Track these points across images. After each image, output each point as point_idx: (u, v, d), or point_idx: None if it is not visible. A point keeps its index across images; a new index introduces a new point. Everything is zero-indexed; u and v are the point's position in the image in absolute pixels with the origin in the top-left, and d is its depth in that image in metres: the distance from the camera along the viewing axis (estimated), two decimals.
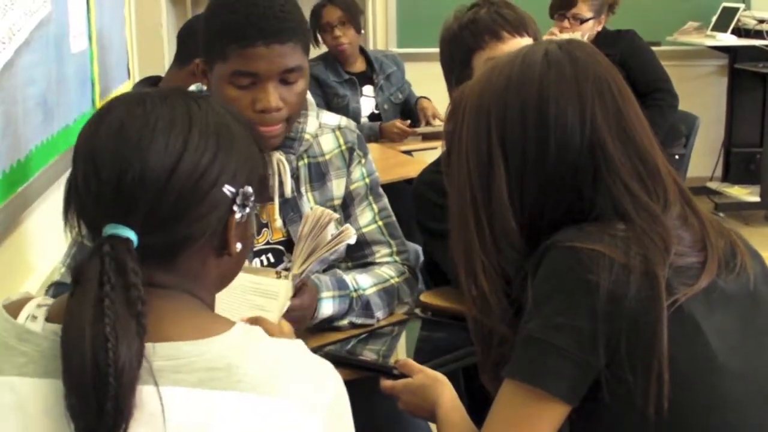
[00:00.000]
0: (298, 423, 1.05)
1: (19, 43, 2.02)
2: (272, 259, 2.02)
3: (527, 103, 1.35)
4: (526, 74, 1.36)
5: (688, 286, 1.29)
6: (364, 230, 2.08)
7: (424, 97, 4.69)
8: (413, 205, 2.16)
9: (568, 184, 1.34)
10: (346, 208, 2.08)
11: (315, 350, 1.77)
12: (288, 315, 1.82)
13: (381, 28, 5.97)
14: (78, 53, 2.74)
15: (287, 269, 1.93)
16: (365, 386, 1.82)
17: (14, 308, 1.10)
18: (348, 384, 1.74)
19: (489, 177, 1.36)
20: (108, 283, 1.01)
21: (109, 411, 0.98)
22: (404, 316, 2.03)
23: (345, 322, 1.96)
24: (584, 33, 4.44)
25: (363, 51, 4.72)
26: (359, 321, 1.98)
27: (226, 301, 1.68)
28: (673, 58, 5.72)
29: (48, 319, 1.07)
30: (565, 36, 4.07)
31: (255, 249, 2.00)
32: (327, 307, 1.92)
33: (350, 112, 4.54)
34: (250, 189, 1.13)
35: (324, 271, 1.98)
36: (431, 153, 4.15)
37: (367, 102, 4.67)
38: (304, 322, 1.87)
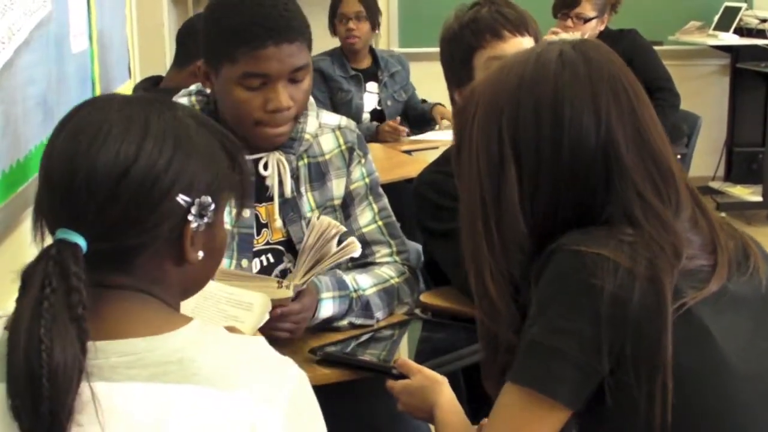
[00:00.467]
0: (257, 417, 1.05)
1: (19, 42, 2.01)
2: (272, 260, 2.02)
3: (541, 103, 1.33)
4: (540, 74, 1.34)
5: (697, 290, 1.28)
6: (364, 230, 2.07)
7: (440, 104, 4.70)
8: (413, 204, 2.16)
9: (580, 186, 1.33)
10: (346, 208, 2.07)
11: (314, 350, 1.78)
12: (289, 318, 1.81)
13: (383, 27, 5.95)
14: (78, 53, 2.73)
15: (284, 272, 1.93)
16: (364, 386, 1.82)
17: None
18: (347, 384, 1.74)
19: (499, 178, 1.34)
20: (49, 287, 1.02)
21: (44, 413, 0.99)
22: (404, 316, 2.03)
23: (345, 322, 1.96)
24: (587, 32, 4.44)
25: (371, 49, 4.75)
26: (359, 321, 1.97)
27: (199, 312, 1.67)
28: (675, 57, 5.72)
29: (6, 327, 1.07)
30: (566, 36, 4.07)
31: (255, 249, 1.99)
32: (327, 308, 1.92)
33: (353, 107, 4.58)
34: (208, 199, 1.12)
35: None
36: (432, 153, 4.15)
37: (370, 98, 4.70)
38: (304, 324, 1.86)
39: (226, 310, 1.72)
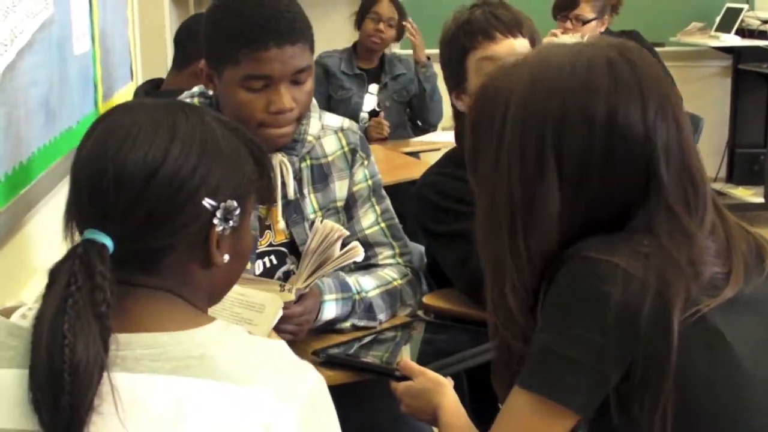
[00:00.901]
0: (272, 415, 1.06)
1: (22, 44, 2.01)
2: (275, 261, 2.02)
3: (594, 115, 1.28)
4: (592, 84, 1.29)
5: (712, 297, 1.27)
6: (367, 232, 2.07)
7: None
8: (415, 207, 2.16)
9: (616, 198, 1.30)
10: (349, 209, 2.07)
11: (317, 352, 1.78)
12: (292, 321, 1.81)
13: None
14: (81, 55, 2.73)
15: (287, 274, 1.92)
16: (366, 388, 1.82)
17: (7, 312, 1.14)
18: (350, 386, 1.74)
19: (536, 187, 1.30)
20: (74, 284, 1.05)
21: (65, 407, 1.01)
22: (407, 318, 2.02)
23: (347, 324, 1.96)
24: (586, 34, 4.44)
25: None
26: (362, 323, 1.97)
27: (212, 314, 1.68)
28: (677, 58, 5.71)
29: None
30: (566, 38, 4.07)
31: (258, 251, 1.99)
32: (330, 310, 1.92)
33: (351, 105, 4.63)
34: (234, 203, 1.14)
35: None
36: (435, 154, 4.15)
37: (370, 99, 4.74)
38: (307, 326, 1.86)
39: (239, 313, 1.72)
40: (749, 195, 5.92)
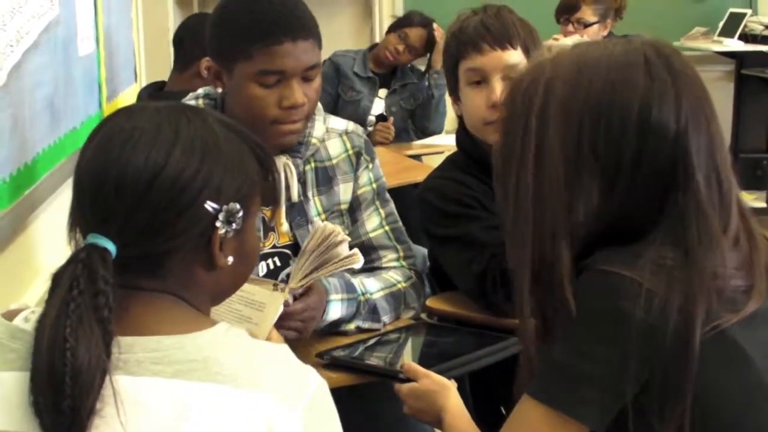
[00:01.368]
0: (274, 419, 1.06)
1: (27, 45, 2.02)
2: (278, 263, 2.02)
3: (629, 112, 1.27)
4: (629, 82, 1.28)
5: (732, 312, 1.25)
6: (371, 235, 2.07)
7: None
8: (418, 211, 2.16)
9: (643, 199, 1.28)
10: (353, 212, 2.07)
11: (321, 355, 1.78)
12: (294, 318, 1.81)
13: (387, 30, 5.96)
14: (85, 56, 2.74)
15: (285, 280, 1.92)
16: (370, 390, 1.82)
17: (11, 315, 1.14)
18: (352, 388, 1.74)
19: (573, 187, 1.28)
20: (76, 288, 1.05)
21: (66, 411, 1.01)
22: (411, 321, 2.02)
23: (352, 326, 1.96)
24: (589, 38, 4.44)
25: None
26: (366, 325, 1.97)
27: (213, 311, 1.68)
28: None
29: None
30: (568, 41, 4.08)
31: (262, 252, 1.99)
32: (335, 310, 1.92)
33: (360, 108, 4.66)
34: (237, 206, 1.14)
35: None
36: (438, 157, 4.15)
37: (379, 103, 4.77)
38: (312, 324, 1.86)
39: (239, 310, 1.72)
40: (752, 200, 5.88)
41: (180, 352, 1.08)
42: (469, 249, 1.99)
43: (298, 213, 2.00)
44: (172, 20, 5.04)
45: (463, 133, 2.17)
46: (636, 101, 1.28)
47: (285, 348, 1.17)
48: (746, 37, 5.96)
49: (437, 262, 2.17)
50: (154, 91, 3.40)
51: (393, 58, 4.75)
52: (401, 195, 2.69)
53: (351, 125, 2.12)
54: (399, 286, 2.05)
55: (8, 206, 1.87)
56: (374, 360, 1.80)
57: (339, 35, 5.52)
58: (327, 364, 1.76)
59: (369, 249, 2.06)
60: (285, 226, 1.99)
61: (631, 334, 1.22)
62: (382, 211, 2.10)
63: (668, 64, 1.31)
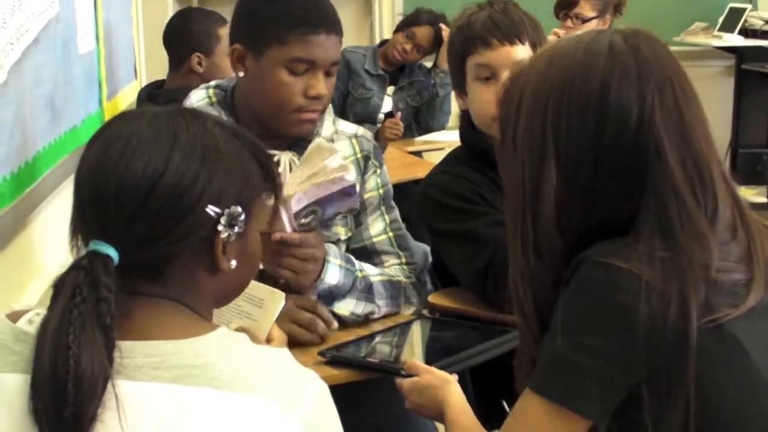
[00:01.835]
0: (273, 423, 1.06)
1: (27, 43, 2.02)
2: None
3: (588, 97, 1.28)
4: (589, 67, 1.30)
5: (732, 306, 1.25)
6: (375, 240, 2.09)
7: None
8: (421, 206, 2.16)
9: (617, 186, 1.29)
10: (358, 216, 2.09)
11: (323, 352, 1.78)
12: (294, 253, 1.81)
13: (387, 26, 5.95)
14: (85, 54, 2.74)
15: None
16: (370, 387, 1.82)
17: (15, 316, 1.14)
18: (352, 385, 1.74)
19: (539, 174, 1.30)
20: (79, 295, 1.05)
21: (68, 418, 1.01)
22: (412, 316, 2.02)
23: (345, 311, 1.95)
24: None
25: None
26: (360, 308, 1.96)
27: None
28: (680, 58, 5.59)
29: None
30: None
31: None
32: (333, 274, 1.92)
33: (371, 105, 4.67)
34: (238, 209, 1.14)
35: None
36: (439, 153, 4.15)
37: (388, 100, 4.79)
38: (309, 267, 1.85)
39: (239, 306, 1.72)
40: (752, 195, 5.90)
41: (178, 357, 1.07)
42: (472, 244, 1.99)
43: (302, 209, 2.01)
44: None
45: (467, 128, 2.17)
46: (596, 83, 1.29)
47: (285, 352, 1.17)
48: (746, 32, 5.95)
49: (440, 257, 2.16)
50: (153, 90, 3.41)
51: (401, 58, 4.74)
52: (402, 191, 2.69)
53: (361, 129, 2.14)
54: (398, 278, 2.06)
55: (9, 204, 1.87)
56: (376, 356, 1.80)
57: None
58: (329, 361, 1.76)
59: (372, 253, 2.07)
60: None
61: (632, 327, 1.22)
62: (387, 217, 2.11)
63: (634, 48, 1.32)
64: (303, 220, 1.86)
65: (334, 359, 1.77)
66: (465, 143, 2.20)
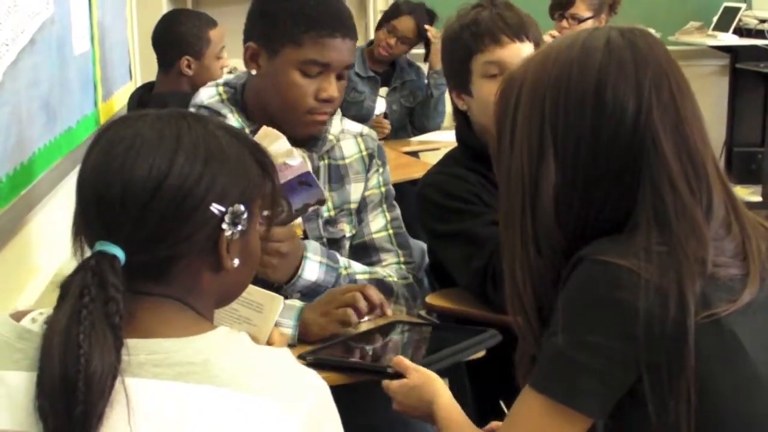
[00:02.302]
0: (274, 422, 1.07)
1: (23, 44, 2.01)
2: None
3: (585, 91, 1.29)
4: (586, 61, 1.31)
5: (730, 302, 1.26)
6: (374, 236, 2.09)
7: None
8: (417, 206, 2.16)
9: (616, 180, 1.29)
10: (359, 212, 2.09)
11: (303, 356, 1.74)
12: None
13: None
14: (80, 55, 2.73)
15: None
16: (365, 389, 1.80)
17: (19, 316, 1.15)
18: (347, 387, 1.72)
19: (538, 169, 1.31)
20: (88, 295, 1.06)
21: (78, 417, 1.02)
22: (390, 319, 1.97)
23: None
24: None
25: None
26: None
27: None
28: (675, 57, 5.70)
29: (46, 322, 1.10)
30: None
31: None
32: (311, 269, 1.92)
33: (364, 108, 4.64)
34: (241, 207, 1.15)
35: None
36: (436, 154, 4.15)
37: (381, 102, 4.75)
38: (275, 259, 1.84)
39: (237, 311, 1.71)
40: (747, 194, 5.91)
41: (179, 355, 1.08)
42: (469, 245, 1.99)
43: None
44: None
45: (464, 128, 2.17)
46: (592, 78, 1.30)
47: (286, 352, 1.17)
48: (741, 32, 5.96)
49: (436, 258, 2.16)
50: (144, 93, 3.40)
51: (387, 53, 4.71)
52: (398, 192, 2.68)
53: (366, 129, 2.17)
54: (388, 279, 2.05)
55: (5, 206, 1.86)
56: (360, 357, 1.78)
57: None
58: (309, 364, 1.73)
59: (370, 249, 2.07)
60: (298, 219, 2.01)
61: (632, 324, 1.23)
62: (388, 214, 2.13)
63: (631, 43, 1.32)
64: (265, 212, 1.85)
65: (315, 362, 1.72)
66: (462, 144, 2.20)
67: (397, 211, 2.15)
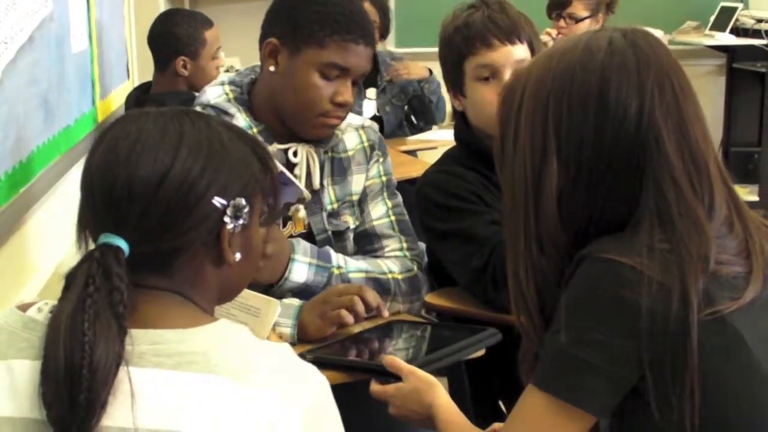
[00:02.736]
0: (276, 415, 1.08)
1: (21, 42, 2.01)
2: None
3: (588, 91, 1.30)
4: (588, 62, 1.32)
5: (733, 299, 1.26)
6: (375, 223, 2.10)
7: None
8: (416, 205, 2.16)
9: (618, 179, 1.30)
10: (361, 203, 2.10)
11: (303, 355, 1.74)
12: None
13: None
14: (78, 53, 2.73)
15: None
16: (364, 388, 1.80)
17: (25, 308, 1.17)
18: (347, 386, 1.72)
19: (541, 169, 1.32)
20: (92, 285, 1.08)
21: (82, 404, 1.04)
22: (389, 319, 1.96)
23: None
24: (580, 32, 4.43)
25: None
26: None
27: None
28: None
29: (52, 312, 1.12)
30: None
31: None
32: (300, 272, 1.92)
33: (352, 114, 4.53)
34: (243, 201, 1.17)
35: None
36: (434, 153, 4.14)
37: (369, 105, 4.65)
38: (271, 250, 1.84)
39: (235, 316, 1.72)
40: (744, 194, 5.93)
41: (181, 345, 1.10)
42: (469, 244, 1.99)
43: (313, 200, 2.03)
44: None
45: (462, 127, 2.17)
46: (595, 78, 1.31)
47: (287, 347, 1.19)
48: (738, 31, 5.97)
49: (435, 257, 2.16)
50: (141, 94, 3.40)
51: None
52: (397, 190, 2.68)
53: (367, 121, 2.17)
54: (388, 275, 2.04)
55: (4, 204, 1.86)
56: (358, 356, 1.77)
57: None
58: (309, 362, 1.72)
59: (372, 237, 2.08)
60: (302, 213, 2.03)
61: (635, 321, 1.23)
62: (389, 202, 2.13)
63: (633, 44, 1.33)
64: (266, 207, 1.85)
65: (316, 360, 1.73)
66: (461, 143, 2.20)
67: (399, 199, 2.15)
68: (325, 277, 1.95)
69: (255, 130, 1.98)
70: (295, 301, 1.88)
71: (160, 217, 1.12)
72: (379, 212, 2.11)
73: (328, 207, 2.05)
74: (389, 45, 6.01)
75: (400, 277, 2.06)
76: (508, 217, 1.38)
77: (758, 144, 6.03)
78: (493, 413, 2.03)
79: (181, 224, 1.13)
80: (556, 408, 1.28)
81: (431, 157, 3.01)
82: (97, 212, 1.15)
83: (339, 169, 2.08)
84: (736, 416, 1.28)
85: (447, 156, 2.23)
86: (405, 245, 2.10)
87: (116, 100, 3.51)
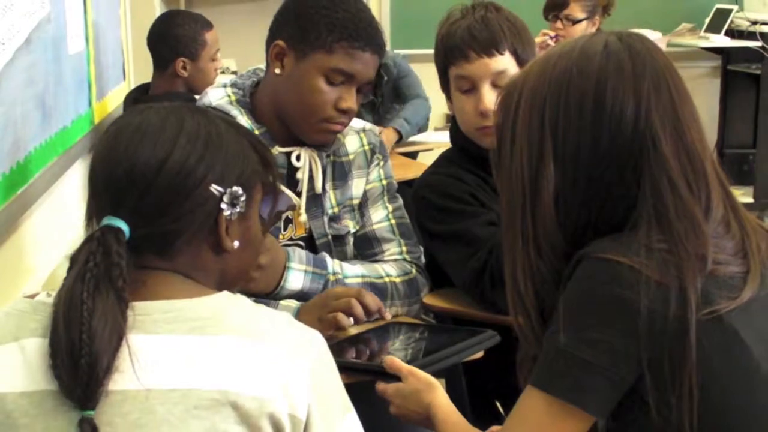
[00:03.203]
0: (286, 366, 1.15)
1: (19, 43, 2.01)
2: None
3: (584, 94, 1.31)
4: (585, 65, 1.33)
5: (731, 299, 1.27)
6: (375, 227, 2.09)
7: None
8: (414, 207, 2.16)
9: (615, 181, 1.31)
10: (361, 207, 2.10)
11: None
12: None
13: None
14: (75, 54, 2.73)
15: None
16: (366, 389, 1.80)
17: (32, 297, 1.22)
18: (347, 387, 1.72)
19: (538, 171, 1.33)
20: (92, 261, 1.14)
21: (84, 367, 1.08)
22: (385, 321, 1.97)
23: None
24: (577, 34, 4.44)
25: None
26: None
27: None
28: None
29: (58, 291, 1.17)
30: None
31: (280, 244, 1.99)
32: (295, 280, 1.92)
33: None
34: (239, 189, 1.22)
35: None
36: (431, 154, 4.15)
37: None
38: (266, 260, 1.85)
39: None
40: (739, 195, 5.86)
41: (192, 312, 1.16)
42: (466, 245, 1.99)
43: (314, 204, 2.03)
44: None
45: (456, 129, 2.17)
46: (591, 81, 1.32)
47: (286, 313, 1.27)
48: (733, 33, 5.99)
49: (432, 258, 2.16)
50: (139, 95, 3.40)
51: None
52: None
53: (368, 125, 2.17)
54: (386, 279, 2.04)
55: (1, 206, 1.86)
56: (356, 356, 1.77)
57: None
58: None
59: (372, 240, 2.08)
60: (303, 217, 2.02)
61: (634, 321, 1.23)
62: (389, 205, 2.13)
63: (629, 47, 1.34)
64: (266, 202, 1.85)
65: None
66: (456, 144, 2.20)
67: (400, 202, 2.15)
68: (321, 284, 1.95)
69: (256, 132, 1.97)
70: (293, 303, 1.89)
71: (159, 201, 1.18)
72: (380, 216, 2.11)
73: (329, 211, 2.05)
74: None
75: (397, 280, 2.06)
76: (506, 220, 1.39)
77: (753, 146, 6.05)
78: (490, 414, 2.03)
79: (179, 207, 1.19)
80: (555, 408, 1.28)
81: (430, 160, 3.00)
82: (99, 197, 1.21)
83: (340, 173, 2.08)
84: (735, 415, 1.28)
85: (443, 158, 2.23)
86: (404, 248, 2.10)
87: (113, 102, 3.52)
